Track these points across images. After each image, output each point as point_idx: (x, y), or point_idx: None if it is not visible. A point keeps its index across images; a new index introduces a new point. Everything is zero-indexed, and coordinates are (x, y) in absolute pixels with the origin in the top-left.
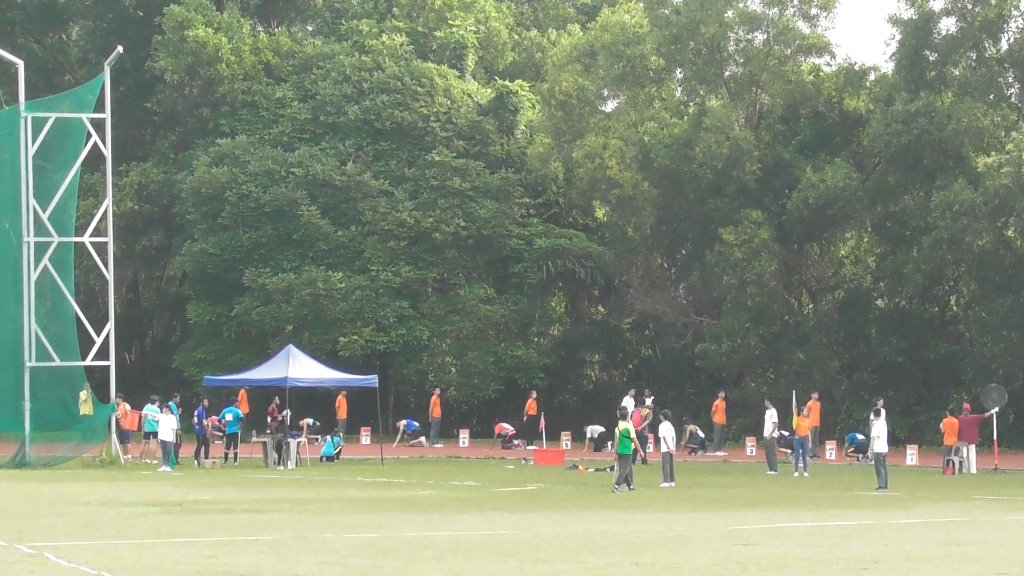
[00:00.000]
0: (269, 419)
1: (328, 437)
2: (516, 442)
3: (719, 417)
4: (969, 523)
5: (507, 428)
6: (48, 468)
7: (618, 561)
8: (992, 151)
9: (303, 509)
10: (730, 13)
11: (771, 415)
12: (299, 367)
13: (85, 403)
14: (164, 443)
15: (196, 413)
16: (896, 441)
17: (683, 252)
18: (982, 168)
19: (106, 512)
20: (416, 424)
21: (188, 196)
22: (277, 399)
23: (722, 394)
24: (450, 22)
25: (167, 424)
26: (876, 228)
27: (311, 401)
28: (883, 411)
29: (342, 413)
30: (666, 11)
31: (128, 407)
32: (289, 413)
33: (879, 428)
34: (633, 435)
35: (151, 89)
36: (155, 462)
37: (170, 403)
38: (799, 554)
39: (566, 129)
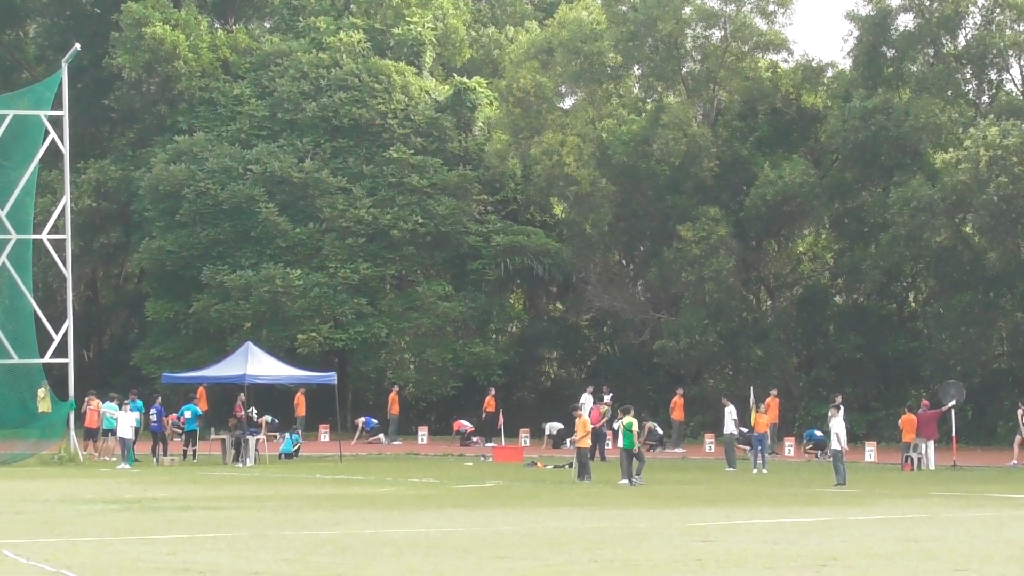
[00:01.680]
0: (236, 415)
1: (287, 434)
2: (475, 439)
3: (677, 414)
4: (928, 519)
5: (465, 425)
6: (6, 466)
7: (577, 558)
8: (950, 147)
9: (262, 506)
10: (687, 10)
11: (730, 411)
12: (257, 364)
13: (43, 400)
14: (123, 440)
15: (153, 410)
16: (855, 438)
17: (641, 249)
18: (940, 164)
19: (65, 509)
20: (375, 421)
21: (146, 193)
22: (242, 396)
23: (680, 391)
24: (408, 19)
25: (126, 421)
26: (834, 225)
27: (270, 398)
28: (841, 408)
29: (301, 410)
30: (624, 8)
31: (100, 404)
32: (255, 410)
33: (837, 425)
34: (635, 429)
35: (109, 86)
36: (113, 459)
37: (129, 400)
38: (758, 551)
39: (524, 126)
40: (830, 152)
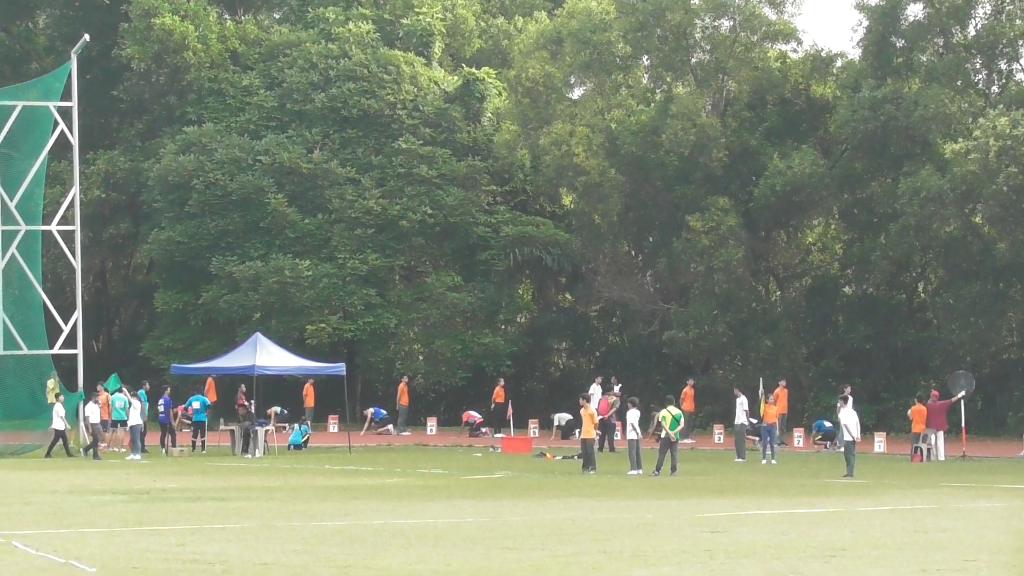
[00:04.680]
0: (238, 406)
1: (296, 425)
2: (483, 430)
3: (688, 404)
4: (937, 510)
5: (474, 416)
6: (15, 456)
7: (586, 548)
8: (959, 137)
9: (271, 497)
10: (696, 0)
11: (742, 402)
12: (266, 355)
13: (52, 392)
14: (133, 431)
15: (161, 401)
16: (864, 428)
17: (650, 239)
18: (949, 154)
19: (74, 500)
20: (383, 412)
21: (155, 184)
22: (243, 386)
23: (691, 382)
24: (416, 9)
25: (136, 412)
26: (843, 215)
27: (279, 389)
28: (850, 399)
29: (309, 401)
30: None
31: (109, 394)
32: (252, 404)
33: (847, 416)
34: (681, 421)
35: (118, 77)
36: (122, 450)
37: (139, 391)
38: (767, 541)
39: (533, 116)
40: (839, 142)
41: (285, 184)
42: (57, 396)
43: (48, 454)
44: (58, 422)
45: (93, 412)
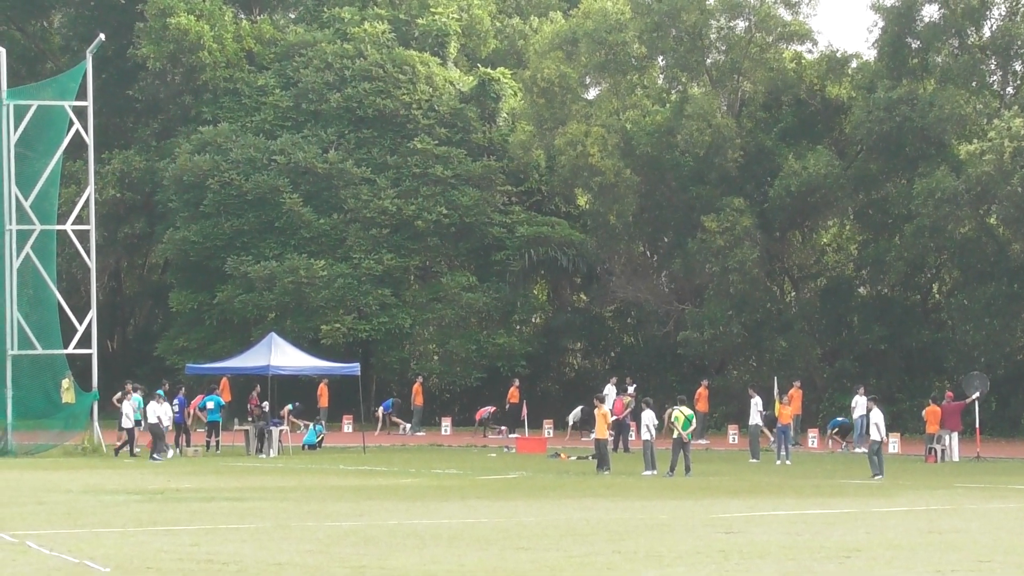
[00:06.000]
0: (251, 406)
1: (310, 425)
2: (501, 428)
3: (702, 405)
4: (951, 511)
5: (487, 409)
6: (30, 456)
7: (600, 549)
8: (974, 138)
9: (285, 497)
10: (711, 0)
11: (756, 403)
12: (281, 355)
13: (67, 391)
14: (154, 432)
15: (176, 401)
16: None
17: (665, 240)
18: (964, 156)
19: (88, 500)
20: (391, 400)
21: (170, 184)
22: (258, 387)
23: (705, 382)
24: (432, 9)
25: (160, 412)
26: (858, 216)
27: (293, 389)
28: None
29: (324, 401)
30: None
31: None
32: (267, 405)
33: (878, 416)
34: (693, 421)
35: (133, 77)
36: (137, 450)
37: (159, 391)
38: (781, 542)
39: (548, 116)
40: (854, 143)
41: (300, 184)
42: (127, 395)
43: (132, 454)
44: (126, 421)
45: (153, 412)
